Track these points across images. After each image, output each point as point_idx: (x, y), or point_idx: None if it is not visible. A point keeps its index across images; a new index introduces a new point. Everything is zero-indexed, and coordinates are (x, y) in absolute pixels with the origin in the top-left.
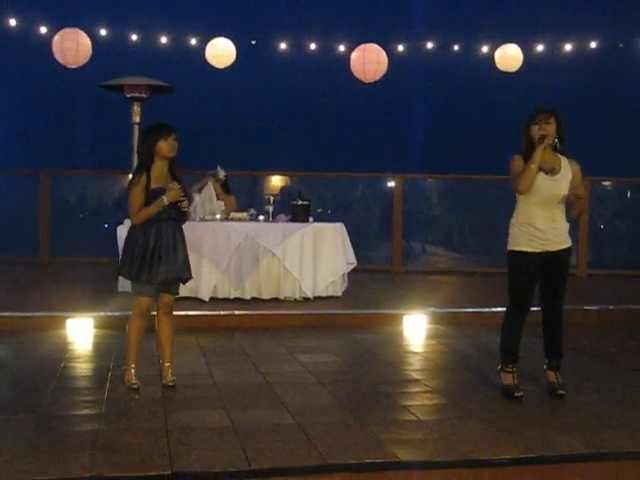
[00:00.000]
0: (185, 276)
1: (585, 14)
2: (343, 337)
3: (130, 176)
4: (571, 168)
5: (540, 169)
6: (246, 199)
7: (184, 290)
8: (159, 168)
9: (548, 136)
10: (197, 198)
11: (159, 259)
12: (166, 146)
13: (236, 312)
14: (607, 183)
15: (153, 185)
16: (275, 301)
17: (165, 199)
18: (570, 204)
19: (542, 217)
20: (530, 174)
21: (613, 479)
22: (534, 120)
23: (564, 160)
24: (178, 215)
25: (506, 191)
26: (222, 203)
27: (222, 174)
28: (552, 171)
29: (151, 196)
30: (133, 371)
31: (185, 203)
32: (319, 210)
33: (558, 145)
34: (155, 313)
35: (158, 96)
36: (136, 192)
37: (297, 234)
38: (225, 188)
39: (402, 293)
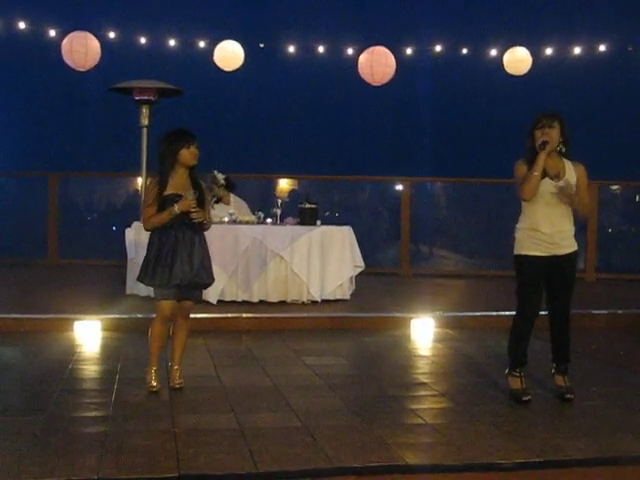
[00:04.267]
0: (203, 281)
1: (594, 17)
2: (351, 340)
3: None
4: (575, 171)
5: (545, 174)
6: (255, 202)
7: None
8: (179, 175)
9: (550, 142)
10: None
11: (172, 264)
12: (188, 154)
13: (244, 315)
14: (615, 187)
15: (170, 191)
16: (282, 304)
17: (177, 207)
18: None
19: (547, 221)
20: (533, 181)
21: None
22: (537, 125)
23: (568, 164)
24: (193, 222)
25: (514, 194)
26: (229, 207)
27: (221, 177)
28: (557, 176)
29: (166, 202)
30: (154, 374)
31: (196, 214)
32: (327, 213)
33: (563, 149)
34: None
35: (167, 99)
36: (149, 199)
37: (305, 237)
38: (229, 188)
39: (410, 296)
